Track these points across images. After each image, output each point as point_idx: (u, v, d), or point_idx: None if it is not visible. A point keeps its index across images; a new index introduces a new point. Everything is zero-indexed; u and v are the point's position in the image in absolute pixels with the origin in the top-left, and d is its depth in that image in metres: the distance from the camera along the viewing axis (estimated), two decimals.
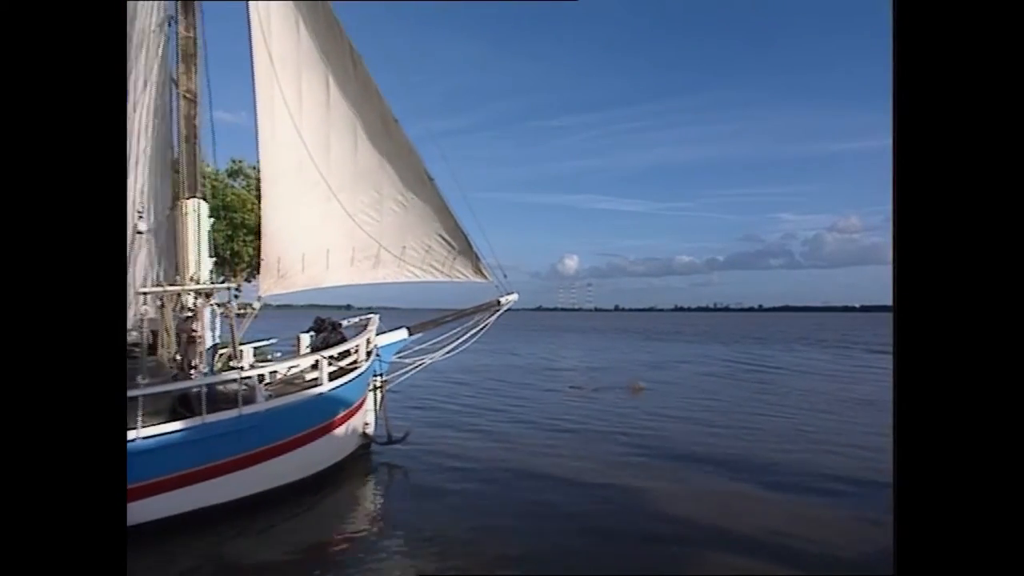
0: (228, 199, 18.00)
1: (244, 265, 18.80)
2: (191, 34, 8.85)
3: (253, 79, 9.85)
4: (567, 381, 21.66)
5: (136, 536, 6.38)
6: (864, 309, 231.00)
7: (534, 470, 9.48)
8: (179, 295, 8.12)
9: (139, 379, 6.68)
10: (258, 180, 14.50)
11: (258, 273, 10.54)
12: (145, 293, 7.88)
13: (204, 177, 8.99)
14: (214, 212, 9.72)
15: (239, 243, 18.67)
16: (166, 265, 8.54)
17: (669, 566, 6.13)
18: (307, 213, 10.80)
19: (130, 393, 6.47)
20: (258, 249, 11.23)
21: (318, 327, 9.87)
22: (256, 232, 16.27)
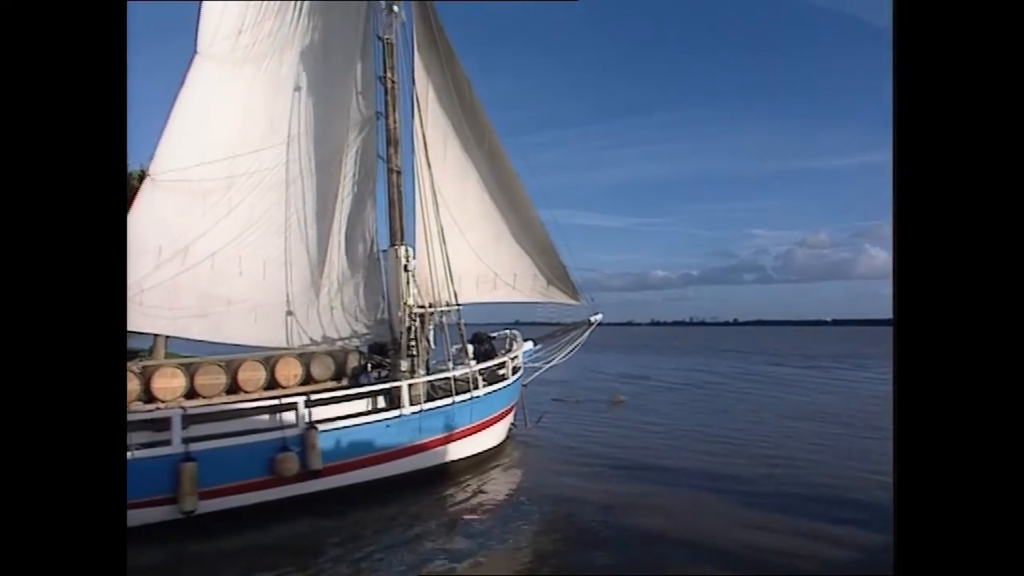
0: None
1: None
2: (396, 124, 12.14)
3: (413, 143, 13.00)
4: (549, 394, 20.64)
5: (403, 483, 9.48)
6: (836, 323, 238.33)
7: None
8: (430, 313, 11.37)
9: (420, 371, 9.95)
10: None
11: None
12: (411, 311, 11.12)
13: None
14: None
15: None
16: (383, 292, 11.82)
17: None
18: (445, 247, 14.06)
19: (410, 381, 9.72)
20: None
21: (478, 339, 13.06)
22: None
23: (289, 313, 11.84)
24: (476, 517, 8.52)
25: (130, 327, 10.28)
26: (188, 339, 11.30)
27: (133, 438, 7.45)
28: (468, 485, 9.88)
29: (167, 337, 17.60)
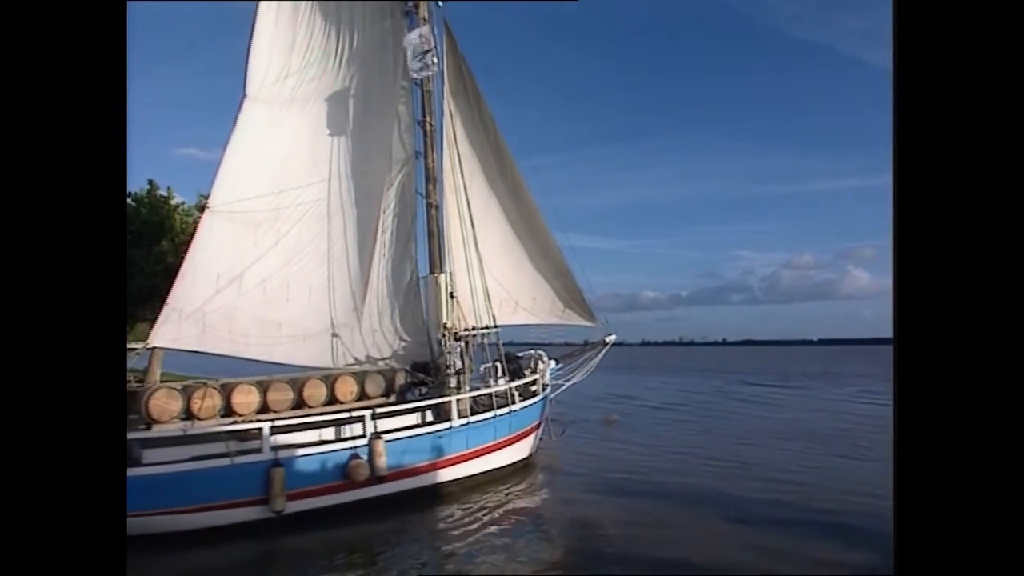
0: None
1: None
2: (433, 163, 13.34)
3: (441, 178, 14.08)
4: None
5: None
6: (821, 342, 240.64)
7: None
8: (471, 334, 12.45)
9: (465, 387, 11.02)
10: None
11: None
12: (454, 333, 12.19)
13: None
14: None
15: None
16: (423, 316, 12.90)
17: None
18: (471, 272, 15.15)
19: (457, 396, 10.77)
20: None
21: (507, 358, 14.09)
22: None
23: (334, 335, 12.85)
24: (501, 525, 9.29)
25: (196, 347, 11.25)
26: (184, 353, 11.74)
27: (230, 446, 8.46)
28: (500, 493, 10.86)
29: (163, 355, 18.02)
